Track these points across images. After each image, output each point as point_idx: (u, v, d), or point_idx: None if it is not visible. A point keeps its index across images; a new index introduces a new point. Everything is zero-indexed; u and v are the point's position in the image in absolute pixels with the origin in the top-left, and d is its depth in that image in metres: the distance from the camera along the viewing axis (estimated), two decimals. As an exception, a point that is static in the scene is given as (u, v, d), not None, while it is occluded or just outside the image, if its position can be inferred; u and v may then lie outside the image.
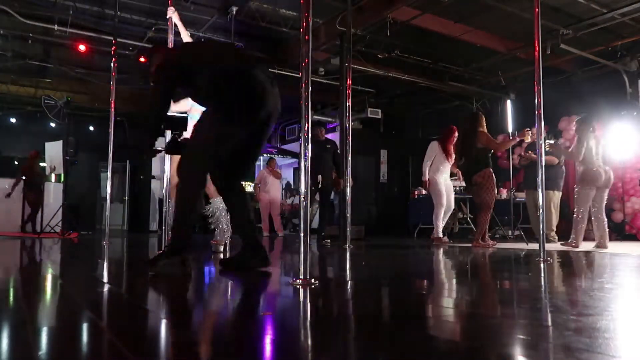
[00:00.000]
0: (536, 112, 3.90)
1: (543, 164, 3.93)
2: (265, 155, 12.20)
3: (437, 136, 6.81)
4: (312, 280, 2.24)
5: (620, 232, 8.38)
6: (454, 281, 2.82)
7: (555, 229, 7.21)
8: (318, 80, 9.56)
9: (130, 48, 8.58)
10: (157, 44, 6.00)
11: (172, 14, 4.51)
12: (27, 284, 2.54)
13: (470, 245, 5.91)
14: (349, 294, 2.27)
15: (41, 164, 9.78)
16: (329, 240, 6.55)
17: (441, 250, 5.28)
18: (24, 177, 9.44)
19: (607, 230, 5.61)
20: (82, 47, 8.35)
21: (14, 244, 6.26)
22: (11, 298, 2.06)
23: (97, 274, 3.05)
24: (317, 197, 7.11)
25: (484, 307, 1.90)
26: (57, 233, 8.17)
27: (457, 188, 8.11)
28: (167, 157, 4.47)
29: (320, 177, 6.85)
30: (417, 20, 7.42)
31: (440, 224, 6.66)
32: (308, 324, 1.60)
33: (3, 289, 2.31)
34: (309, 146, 2.38)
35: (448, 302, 2.02)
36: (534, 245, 5.09)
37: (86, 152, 10.51)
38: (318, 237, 6.97)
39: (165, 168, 4.53)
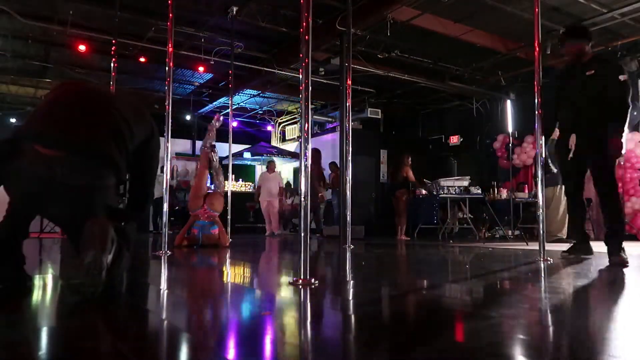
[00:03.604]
0: (536, 112, 3.90)
1: (543, 164, 3.92)
2: (265, 156, 12.23)
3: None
4: (312, 280, 2.24)
5: (620, 232, 8.35)
6: (452, 280, 2.82)
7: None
8: (318, 80, 9.55)
9: (130, 48, 8.57)
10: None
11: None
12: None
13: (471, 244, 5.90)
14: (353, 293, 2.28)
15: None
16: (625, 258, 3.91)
17: (440, 250, 5.28)
18: None
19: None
20: (82, 47, 8.34)
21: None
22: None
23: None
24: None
25: (485, 307, 1.90)
26: (58, 233, 8.17)
27: (457, 189, 8.11)
28: (167, 157, 4.48)
29: (573, 139, 3.86)
30: (417, 20, 7.41)
31: None
32: (308, 324, 1.59)
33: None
34: (309, 146, 2.39)
35: (446, 302, 2.02)
36: (534, 245, 5.08)
37: (86, 152, 10.46)
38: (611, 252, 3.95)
39: (165, 168, 4.53)
